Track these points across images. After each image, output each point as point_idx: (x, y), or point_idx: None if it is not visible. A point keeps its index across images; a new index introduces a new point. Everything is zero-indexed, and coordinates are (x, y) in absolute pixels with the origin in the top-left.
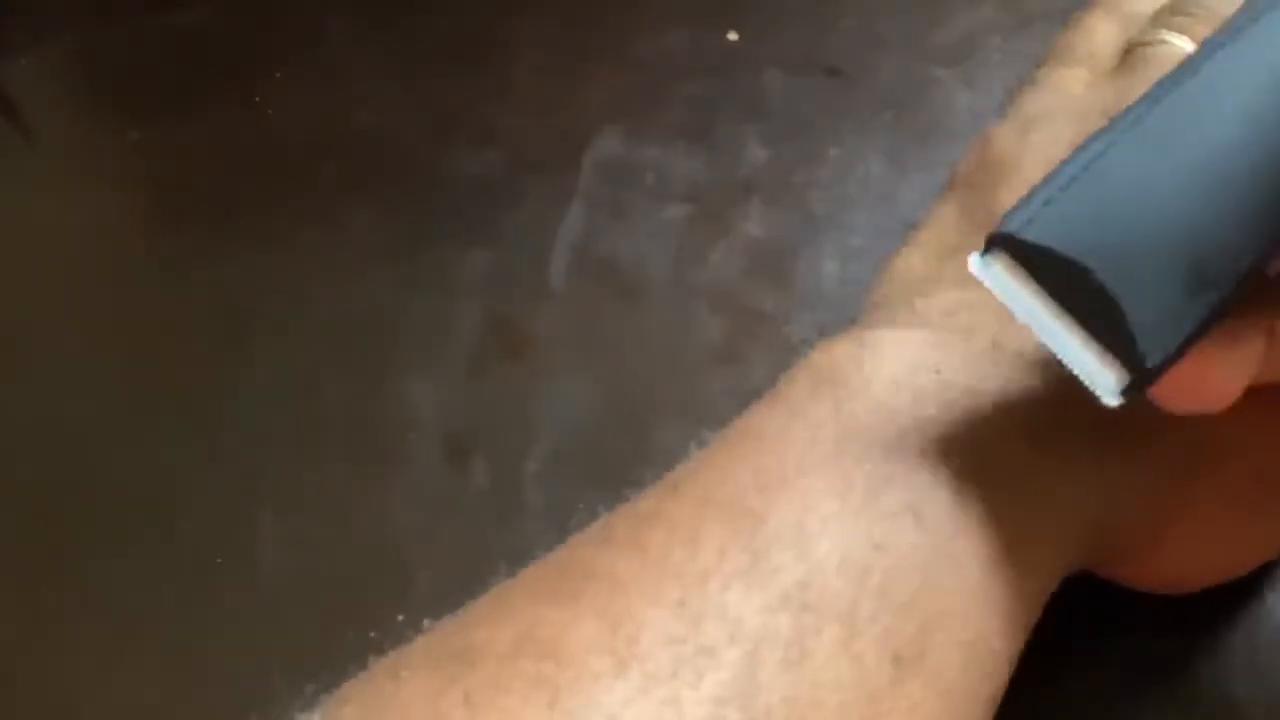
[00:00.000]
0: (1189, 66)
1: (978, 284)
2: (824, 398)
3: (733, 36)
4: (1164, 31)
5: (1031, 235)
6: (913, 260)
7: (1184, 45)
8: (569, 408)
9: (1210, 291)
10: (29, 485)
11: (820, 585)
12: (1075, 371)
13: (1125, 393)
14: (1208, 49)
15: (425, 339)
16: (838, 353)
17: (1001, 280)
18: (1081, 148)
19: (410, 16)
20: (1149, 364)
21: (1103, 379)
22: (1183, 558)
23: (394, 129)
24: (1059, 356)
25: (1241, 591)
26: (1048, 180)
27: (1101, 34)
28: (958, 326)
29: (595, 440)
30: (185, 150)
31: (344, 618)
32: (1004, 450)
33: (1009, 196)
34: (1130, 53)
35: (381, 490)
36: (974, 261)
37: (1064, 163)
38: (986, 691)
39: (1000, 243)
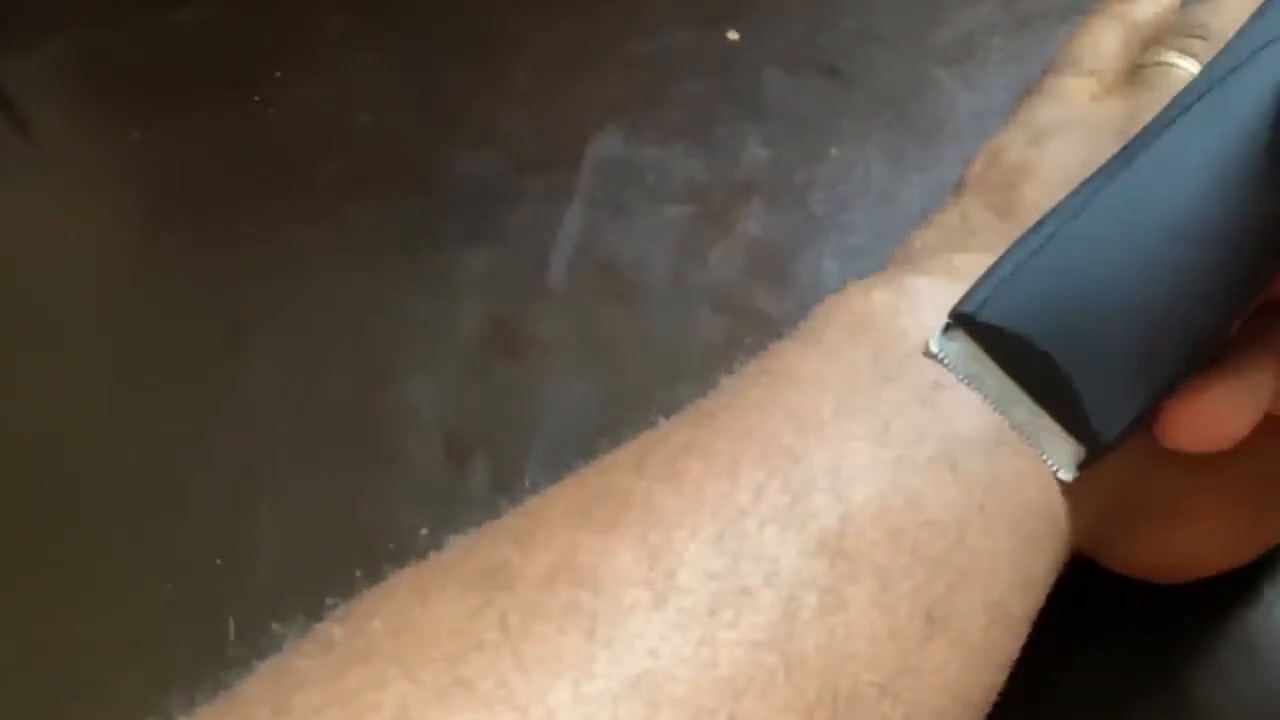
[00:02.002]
0: (1132, 149)
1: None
2: (861, 343)
3: (733, 36)
4: (1169, 53)
5: (988, 317)
6: (935, 235)
7: (1188, 66)
8: (569, 408)
9: (1161, 366)
10: (29, 485)
11: (856, 534)
12: (1031, 444)
13: (1081, 466)
14: (1151, 132)
15: (425, 339)
16: (875, 298)
17: (961, 358)
18: (1033, 229)
19: (410, 16)
20: (1102, 440)
21: (1058, 453)
22: (1194, 541)
23: (394, 129)
24: (1016, 430)
25: (1241, 590)
26: (1003, 260)
27: (1107, 43)
28: None
29: (595, 440)
30: (185, 150)
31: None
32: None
33: (1032, 194)
34: (1136, 73)
35: (381, 490)
36: (933, 341)
37: (1017, 243)
38: (1005, 655)
39: (959, 322)
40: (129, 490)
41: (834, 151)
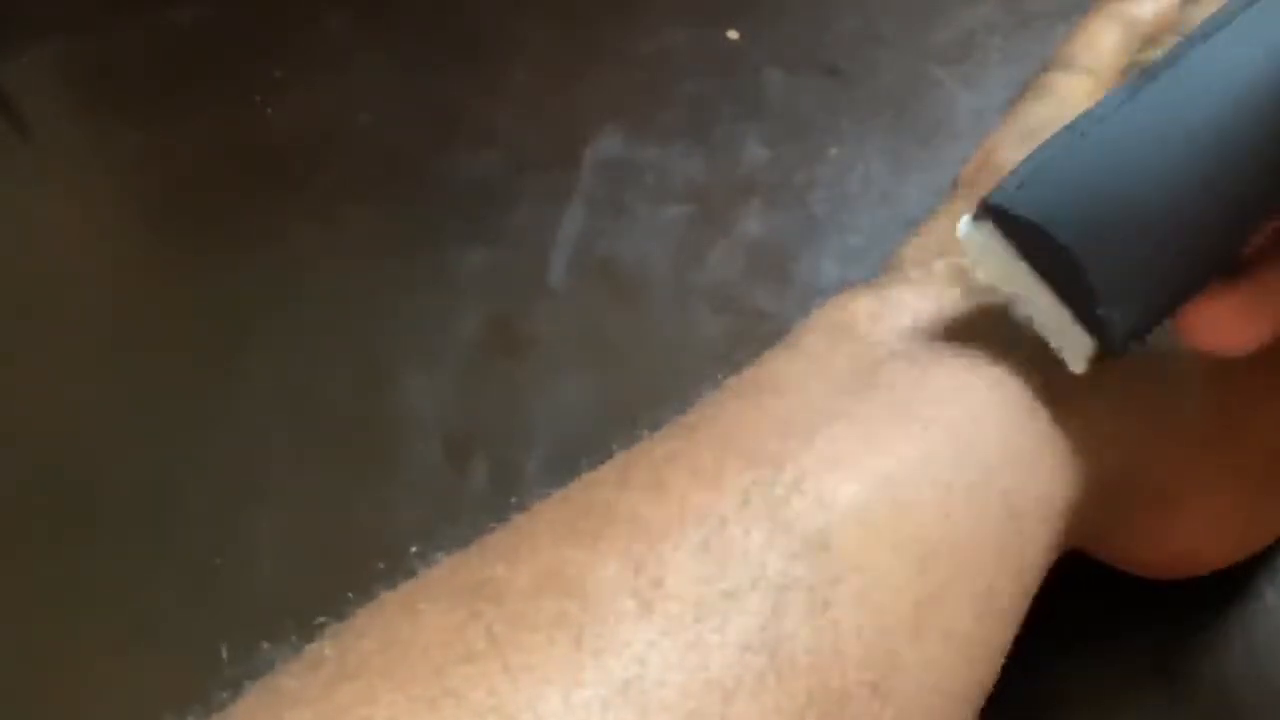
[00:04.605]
0: (1173, 54)
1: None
2: (842, 350)
3: (733, 36)
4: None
5: (1012, 207)
6: (925, 241)
7: None
8: (569, 408)
9: (1178, 270)
10: (29, 485)
11: (841, 534)
12: (1045, 336)
13: (1092, 361)
14: (1190, 41)
15: (425, 339)
16: (856, 306)
17: (985, 246)
18: (1068, 125)
19: (410, 16)
20: (1114, 334)
21: (1071, 346)
22: (1192, 533)
23: (394, 129)
24: (1032, 320)
25: (1241, 590)
26: (1036, 154)
27: (1104, 41)
28: (976, 286)
29: (595, 440)
30: (185, 150)
31: (344, 618)
32: (1023, 407)
33: None
34: (1131, 70)
35: (381, 490)
36: (962, 226)
37: (1050, 140)
38: (995, 648)
39: (986, 212)
40: (129, 490)
41: (834, 151)
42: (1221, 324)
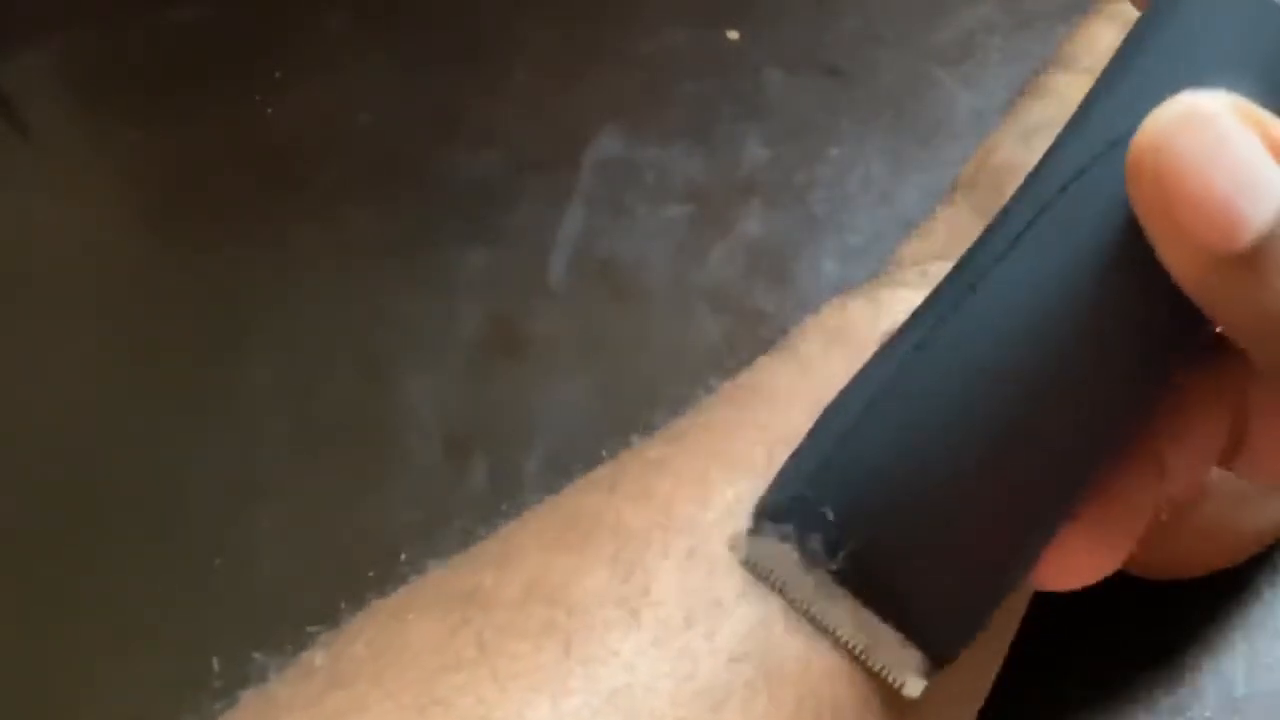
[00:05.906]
0: (952, 298)
1: None
2: (835, 355)
3: (733, 36)
4: None
5: (797, 517)
6: (924, 243)
7: None
8: (569, 408)
9: (1017, 543)
10: (29, 485)
11: None
12: (867, 656)
13: (929, 675)
14: (967, 280)
15: (425, 339)
16: (850, 310)
17: (771, 559)
18: (837, 406)
19: (410, 16)
20: (948, 643)
21: (898, 664)
22: (1192, 534)
23: (394, 129)
24: (846, 642)
25: (1241, 589)
26: (811, 444)
27: (1104, 41)
28: None
29: (595, 440)
30: (185, 150)
31: (343, 618)
32: None
33: None
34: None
35: (381, 490)
36: (740, 542)
37: (826, 419)
38: (991, 651)
39: (767, 518)
40: (129, 490)
41: (834, 151)
42: (1068, 568)
